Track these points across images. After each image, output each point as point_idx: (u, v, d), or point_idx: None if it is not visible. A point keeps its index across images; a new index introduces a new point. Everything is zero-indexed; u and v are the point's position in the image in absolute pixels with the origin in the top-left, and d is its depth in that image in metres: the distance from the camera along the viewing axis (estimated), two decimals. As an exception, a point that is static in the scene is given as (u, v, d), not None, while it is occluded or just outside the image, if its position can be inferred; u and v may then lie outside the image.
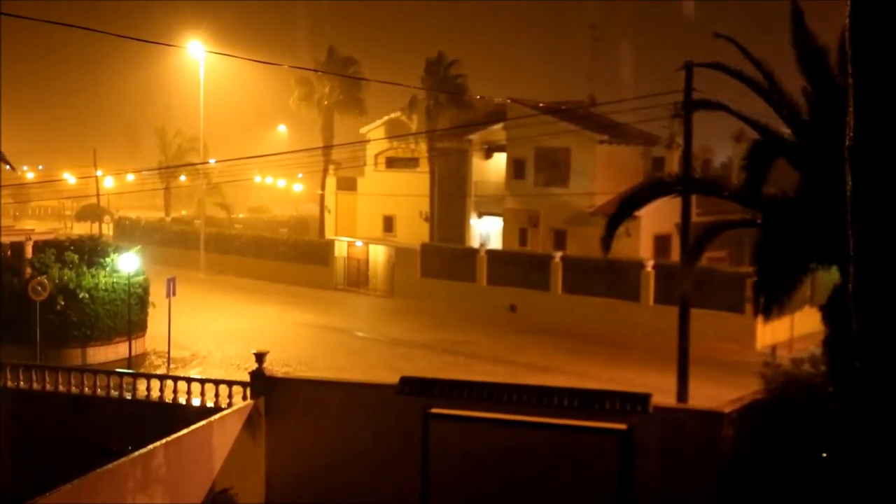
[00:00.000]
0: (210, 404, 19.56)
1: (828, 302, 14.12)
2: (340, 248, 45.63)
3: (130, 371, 24.21)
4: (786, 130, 15.49)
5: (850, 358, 7.27)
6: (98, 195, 58.27)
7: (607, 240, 17.03)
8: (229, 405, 18.82)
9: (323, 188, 53.69)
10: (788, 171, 15.16)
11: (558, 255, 36.75)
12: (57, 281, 27.52)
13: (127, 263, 28.12)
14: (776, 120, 15.57)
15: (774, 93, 15.14)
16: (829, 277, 14.24)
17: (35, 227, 49.70)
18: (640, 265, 33.85)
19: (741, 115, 16.02)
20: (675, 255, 32.69)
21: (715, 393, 20.42)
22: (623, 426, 14.96)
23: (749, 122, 15.85)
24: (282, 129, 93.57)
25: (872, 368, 6.91)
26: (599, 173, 40.20)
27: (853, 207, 6.89)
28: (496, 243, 44.14)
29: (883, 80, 6.52)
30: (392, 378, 17.00)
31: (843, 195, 7.00)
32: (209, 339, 31.24)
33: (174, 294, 27.45)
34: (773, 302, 14.31)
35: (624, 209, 17.09)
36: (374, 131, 51.09)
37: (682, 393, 20.32)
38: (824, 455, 12.95)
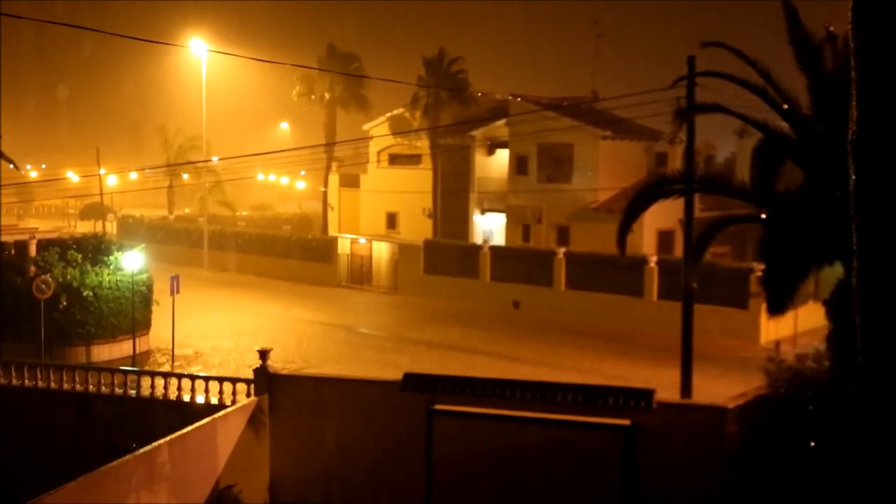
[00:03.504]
0: (214, 401, 19.56)
1: (831, 297, 14.12)
2: (343, 245, 45.63)
3: (135, 369, 24.24)
4: (786, 125, 15.49)
5: (854, 353, 7.26)
6: (101, 194, 58.36)
7: (622, 242, 17.28)
8: (233, 402, 18.84)
9: (326, 185, 53.73)
10: (792, 166, 15.19)
11: (562, 251, 36.72)
12: (61, 279, 27.54)
13: (130, 261, 28.17)
14: (777, 116, 15.56)
15: (773, 92, 15.14)
16: (832, 273, 14.23)
17: (39, 225, 49.76)
18: (643, 261, 33.79)
19: (741, 114, 16.04)
20: (679, 250, 32.61)
21: (719, 388, 20.41)
22: (627, 422, 14.99)
23: (749, 122, 15.87)
24: (284, 126, 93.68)
25: (875, 364, 6.90)
26: (602, 169, 40.19)
27: (856, 202, 6.87)
28: (499, 239, 44.11)
29: (886, 71, 6.50)
30: (395, 374, 17.04)
31: (846, 190, 6.99)
32: (213, 337, 31.28)
33: (178, 292, 27.50)
34: (781, 299, 14.31)
35: (633, 211, 17.26)
36: (377, 128, 51.07)
37: (686, 388, 20.31)
38: (826, 449, 12.93)
